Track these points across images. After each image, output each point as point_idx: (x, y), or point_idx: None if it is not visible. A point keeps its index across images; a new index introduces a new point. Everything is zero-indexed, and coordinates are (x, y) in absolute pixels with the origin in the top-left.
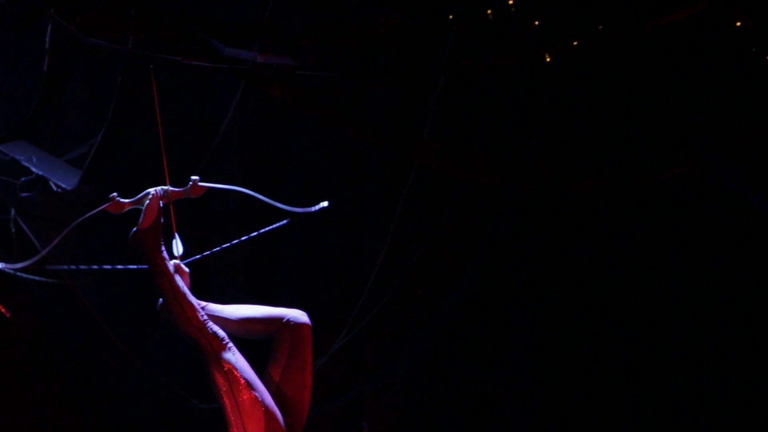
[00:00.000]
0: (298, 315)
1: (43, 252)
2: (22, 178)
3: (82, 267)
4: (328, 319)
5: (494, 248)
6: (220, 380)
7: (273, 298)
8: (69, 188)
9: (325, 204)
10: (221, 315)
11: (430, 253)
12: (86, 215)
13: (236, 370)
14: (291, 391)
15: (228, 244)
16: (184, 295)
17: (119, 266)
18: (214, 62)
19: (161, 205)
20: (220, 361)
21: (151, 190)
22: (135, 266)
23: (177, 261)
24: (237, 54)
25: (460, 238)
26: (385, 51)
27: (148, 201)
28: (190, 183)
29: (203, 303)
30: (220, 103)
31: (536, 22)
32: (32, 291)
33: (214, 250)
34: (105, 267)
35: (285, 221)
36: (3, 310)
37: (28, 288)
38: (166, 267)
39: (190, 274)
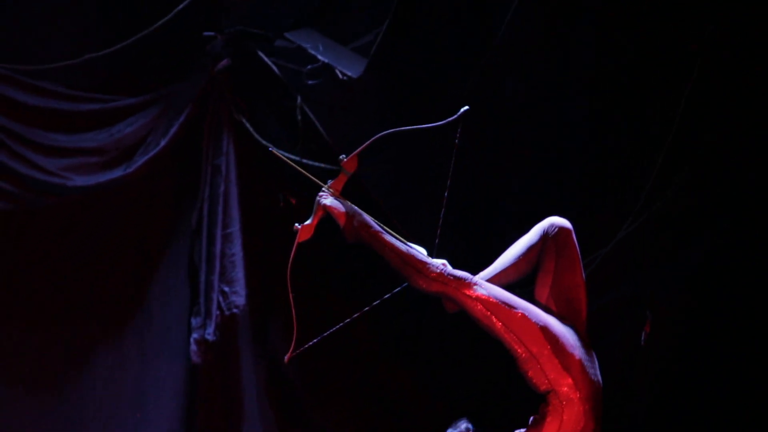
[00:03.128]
0: (556, 221)
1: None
2: (309, 66)
3: None
4: (612, 209)
5: None
6: (484, 314)
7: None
8: (354, 76)
9: (466, 108)
10: (496, 273)
11: (715, 147)
12: (290, 261)
13: (492, 298)
14: (565, 293)
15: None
16: (412, 256)
17: None
18: None
19: (337, 199)
20: (474, 299)
21: (318, 197)
22: None
23: (439, 261)
24: None
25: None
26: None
27: (325, 204)
28: (341, 164)
29: (475, 278)
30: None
31: None
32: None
33: (442, 212)
34: None
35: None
36: (293, 202)
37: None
38: (384, 239)
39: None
